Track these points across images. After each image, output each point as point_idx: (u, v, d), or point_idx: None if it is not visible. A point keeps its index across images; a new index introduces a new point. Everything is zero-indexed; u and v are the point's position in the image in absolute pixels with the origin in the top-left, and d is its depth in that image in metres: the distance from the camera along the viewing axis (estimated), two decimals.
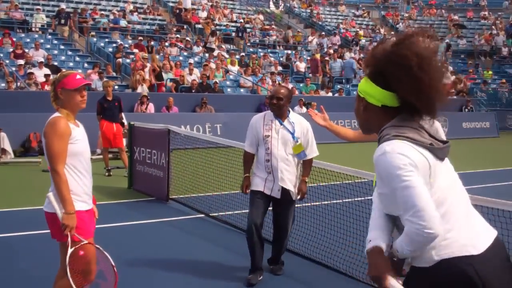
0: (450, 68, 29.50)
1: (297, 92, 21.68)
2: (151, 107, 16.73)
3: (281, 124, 5.47)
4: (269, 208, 5.65)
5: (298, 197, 5.57)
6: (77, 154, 3.88)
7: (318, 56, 25.40)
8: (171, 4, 29.30)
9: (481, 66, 31.46)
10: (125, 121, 12.13)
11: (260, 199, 5.49)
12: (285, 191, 5.48)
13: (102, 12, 25.31)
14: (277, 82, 21.17)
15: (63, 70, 18.53)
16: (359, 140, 4.79)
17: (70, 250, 3.73)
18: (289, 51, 26.69)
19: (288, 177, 5.46)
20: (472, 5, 39.99)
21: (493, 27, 35.29)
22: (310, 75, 24.16)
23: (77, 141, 3.88)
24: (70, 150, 3.83)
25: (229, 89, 20.17)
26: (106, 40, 22.64)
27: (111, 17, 24.85)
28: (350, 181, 6.52)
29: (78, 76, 3.97)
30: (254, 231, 5.39)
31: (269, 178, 5.46)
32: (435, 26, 37.12)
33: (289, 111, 5.57)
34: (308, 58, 26.00)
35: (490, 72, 30.75)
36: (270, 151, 5.42)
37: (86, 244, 3.82)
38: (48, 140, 3.80)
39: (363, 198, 6.55)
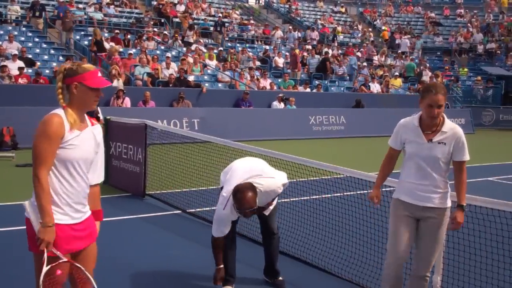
0: (427, 65, 29.76)
1: (275, 88, 21.64)
2: (127, 101, 16.53)
3: None
4: None
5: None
6: (67, 161, 3.36)
7: (297, 51, 25.37)
8: None
9: (457, 64, 31.75)
10: (101, 115, 11.98)
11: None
12: None
13: (79, 5, 24.94)
14: (255, 77, 21.06)
15: (37, 62, 18.21)
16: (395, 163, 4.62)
17: (45, 268, 3.21)
18: (268, 46, 26.60)
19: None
20: (448, 2, 40.35)
21: (469, 24, 35.65)
22: (289, 70, 24.12)
23: (70, 146, 3.35)
24: (59, 154, 3.32)
25: (207, 84, 20.02)
26: (82, 33, 22.30)
27: (88, 9, 24.50)
28: (328, 177, 6.46)
29: (99, 74, 3.50)
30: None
31: None
32: (412, 24, 37.39)
33: None
34: (287, 53, 25.98)
35: (466, 70, 31.06)
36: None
37: (65, 262, 3.30)
38: (35, 140, 3.29)
39: (341, 194, 6.53)
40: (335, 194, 6.64)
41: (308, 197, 7.00)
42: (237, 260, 5.22)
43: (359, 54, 28.18)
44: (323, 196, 6.80)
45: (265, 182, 4.96)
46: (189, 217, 7.93)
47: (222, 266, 4.96)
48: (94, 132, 3.54)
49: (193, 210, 8.02)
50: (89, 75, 3.42)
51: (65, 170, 3.37)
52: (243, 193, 4.70)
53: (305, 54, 25.85)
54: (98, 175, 3.65)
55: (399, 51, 31.13)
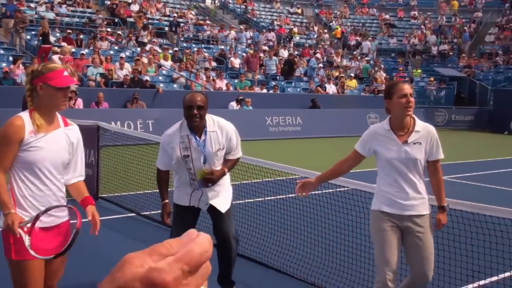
0: (382, 66, 30.20)
1: (231, 88, 21.56)
2: (79, 103, 16.18)
3: (197, 142, 4.55)
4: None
5: (207, 175, 4.56)
6: (32, 163, 3.32)
7: (251, 52, 25.36)
8: None
9: (411, 65, 32.30)
10: None
11: (185, 210, 4.77)
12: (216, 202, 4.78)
13: (30, 4, 24.37)
14: (211, 78, 21.01)
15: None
16: (353, 166, 4.35)
17: (26, 239, 3.12)
18: (223, 47, 26.48)
19: (219, 189, 4.75)
20: (402, 4, 41.03)
21: (422, 26, 36.34)
22: (245, 71, 24.04)
23: (33, 148, 3.30)
24: (22, 157, 3.29)
25: (161, 85, 19.80)
26: (33, 32, 21.76)
27: (40, 8, 23.97)
28: (283, 178, 6.44)
29: (65, 73, 3.39)
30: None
31: (193, 196, 4.70)
32: (367, 25, 37.90)
33: (206, 120, 4.64)
34: (244, 54, 25.97)
35: (419, 71, 31.63)
36: (193, 171, 4.59)
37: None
38: None
39: (296, 195, 6.49)
40: (290, 195, 6.61)
41: (263, 198, 6.96)
42: None
43: (318, 56, 28.34)
44: (278, 197, 6.78)
45: (221, 119, 4.79)
46: (143, 220, 7.80)
47: (166, 201, 4.69)
48: (67, 133, 3.47)
49: (147, 212, 7.90)
50: (54, 75, 3.33)
51: (31, 173, 3.33)
52: (194, 92, 4.63)
53: (261, 55, 25.85)
54: (77, 174, 3.64)
55: (354, 53, 31.51)
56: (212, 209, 4.79)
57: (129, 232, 7.23)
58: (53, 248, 3.38)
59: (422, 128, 4.06)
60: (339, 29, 35.49)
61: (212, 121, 4.63)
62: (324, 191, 6.03)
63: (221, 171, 4.61)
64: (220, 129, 4.63)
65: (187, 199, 4.72)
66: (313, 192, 5.92)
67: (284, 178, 6.39)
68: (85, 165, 8.97)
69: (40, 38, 19.76)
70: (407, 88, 4.01)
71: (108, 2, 27.54)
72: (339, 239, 6.04)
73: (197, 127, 4.53)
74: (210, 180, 4.56)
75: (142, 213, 7.97)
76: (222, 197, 4.78)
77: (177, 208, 4.82)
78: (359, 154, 4.23)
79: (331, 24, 37.05)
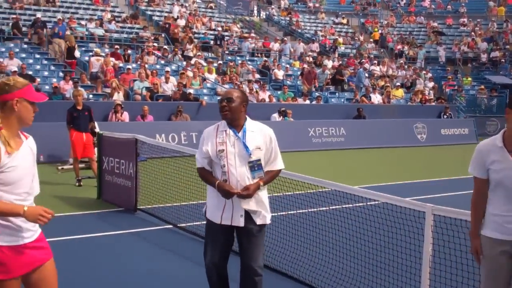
0: (429, 75, 29.67)
1: (274, 100, 21.59)
2: (125, 116, 16.53)
3: (236, 135, 4.45)
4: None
5: (242, 192, 4.34)
6: (10, 184, 3.19)
7: (306, 66, 25.43)
8: (149, 13, 29.20)
9: (460, 73, 31.59)
10: (98, 130, 11.98)
11: (218, 231, 4.50)
12: (249, 216, 4.45)
13: (81, 21, 25.13)
14: (254, 90, 21.12)
15: (34, 78, 18.32)
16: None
17: None
18: (267, 59, 26.58)
19: (254, 201, 4.46)
20: (451, 12, 40.26)
21: (472, 33, 35.52)
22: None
23: (9, 168, 3.18)
24: (1, 179, 3.16)
25: (206, 97, 20.01)
26: (83, 49, 22.42)
27: (90, 25, 24.72)
28: (313, 191, 6.38)
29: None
30: (214, 272, 4.55)
31: (227, 205, 4.41)
32: (415, 33, 37.33)
33: (246, 118, 4.57)
34: (287, 66, 26.00)
35: (470, 79, 30.90)
36: (227, 168, 4.37)
37: None
38: None
39: (327, 208, 6.44)
40: (321, 208, 6.56)
41: (295, 212, 6.92)
42: (202, 264, 4.73)
43: (366, 66, 28.07)
44: (309, 210, 6.72)
45: (261, 123, 4.69)
46: (180, 232, 7.90)
47: (220, 181, 4.37)
48: (30, 146, 3.39)
49: (184, 224, 7.99)
50: (29, 89, 3.30)
51: (12, 193, 3.21)
52: (230, 89, 4.61)
53: (305, 66, 25.85)
54: (37, 186, 3.46)
55: (401, 61, 31.08)
56: (242, 232, 4.50)
57: (165, 244, 7.33)
58: (37, 258, 3.38)
59: None
60: (377, 31, 35.27)
61: (252, 123, 4.58)
62: (355, 204, 5.98)
63: (256, 184, 4.39)
64: (259, 130, 4.54)
65: (219, 216, 4.45)
66: (344, 205, 5.88)
67: (314, 191, 6.34)
68: (125, 177, 9.22)
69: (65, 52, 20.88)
70: None
71: (156, 18, 28.07)
72: (370, 254, 5.95)
73: (229, 120, 4.47)
74: (246, 196, 4.35)
75: (179, 225, 8.07)
76: (258, 209, 4.48)
77: (208, 224, 4.58)
78: (481, 180, 3.81)
79: None
